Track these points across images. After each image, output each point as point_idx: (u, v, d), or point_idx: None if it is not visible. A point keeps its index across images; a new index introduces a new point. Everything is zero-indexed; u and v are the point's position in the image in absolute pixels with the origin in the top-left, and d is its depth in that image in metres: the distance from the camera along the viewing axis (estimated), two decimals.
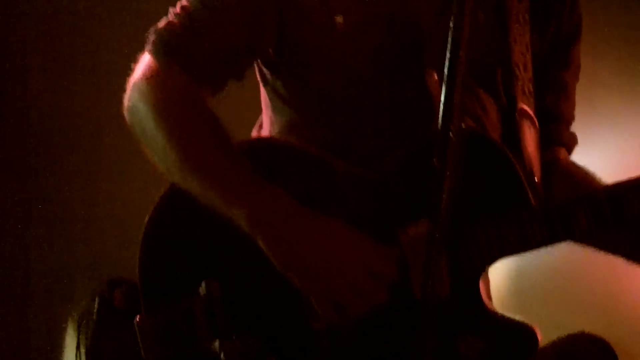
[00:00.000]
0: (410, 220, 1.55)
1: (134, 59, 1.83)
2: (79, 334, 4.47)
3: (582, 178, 1.97)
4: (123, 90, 1.85)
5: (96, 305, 4.27)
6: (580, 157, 2.16)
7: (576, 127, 2.13)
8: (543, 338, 4.45)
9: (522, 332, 1.50)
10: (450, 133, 1.32)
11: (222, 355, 1.59)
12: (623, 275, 3.92)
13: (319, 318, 1.53)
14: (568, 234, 1.58)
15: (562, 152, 2.08)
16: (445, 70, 1.32)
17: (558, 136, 2.06)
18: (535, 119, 1.85)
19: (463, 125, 1.39)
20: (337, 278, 1.53)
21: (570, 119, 2.12)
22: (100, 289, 4.23)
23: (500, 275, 4.45)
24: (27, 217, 5.07)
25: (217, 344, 1.59)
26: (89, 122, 4.93)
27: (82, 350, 4.41)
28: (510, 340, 1.51)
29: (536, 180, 1.70)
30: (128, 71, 1.84)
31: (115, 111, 1.94)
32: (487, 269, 1.63)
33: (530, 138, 1.79)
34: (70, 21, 5.06)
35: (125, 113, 1.79)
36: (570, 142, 2.09)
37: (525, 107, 1.83)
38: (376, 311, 1.53)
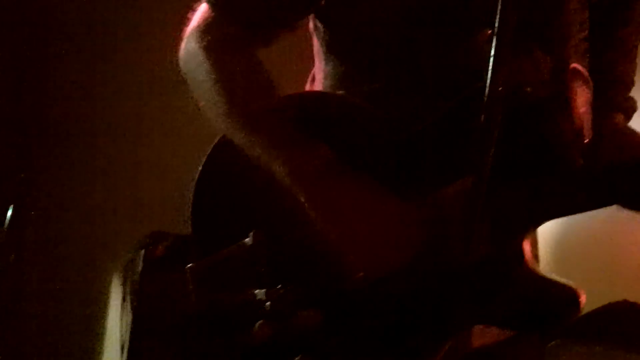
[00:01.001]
0: (452, 177, 1.55)
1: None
2: (124, 287, 4.56)
3: (636, 144, 1.92)
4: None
5: (140, 258, 4.35)
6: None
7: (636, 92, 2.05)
8: (587, 304, 4.48)
9: (564, 294, 1.50)
10: (498, 90, 1.31)
11: (266, 304, 1.61)
12: None
13: (355, 272, 1.55)
14: (612, 199, 1.56)
15: (618, 117, 2.03)
16: (496, 27, 1.31)
17: (615, 100, 2.01)
18: (589, 79, 1.82)
19: (511, 83, 1.38)
20: (370, 231, 1.55)
21: (629, 82, 2.04)
22: (144, 242, 4.31)
23: (543, 240, 4.45)
24: (72, 171, 5.15)
25: (262, 292, 1.61)
26: (140, 75, 4.96)
27: (127, 303, 4.50)
28: (551, 301, 1.51)
29: (584, 142, 1.68)
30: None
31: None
32: (531, 230, 1.61)
33: (581, 98, 1.76)
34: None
35: (180, 62, 1.81)
36: (629, 107, 2.03)
37: (578, 67, 1.80)
38: (412, 267, 1.54)
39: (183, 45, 1.82)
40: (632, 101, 2.04)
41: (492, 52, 1.34)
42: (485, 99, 1.34)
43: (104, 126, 5.15)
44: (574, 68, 1.76)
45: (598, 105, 1.87)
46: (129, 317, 4.38)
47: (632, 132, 1.99)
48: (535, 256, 1.83)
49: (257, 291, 1.63)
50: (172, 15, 1.90)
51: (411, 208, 1.59)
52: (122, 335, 4.41)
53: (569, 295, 1.50)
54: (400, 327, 1.57)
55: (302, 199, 1.60)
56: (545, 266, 4.70)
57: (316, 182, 1.61)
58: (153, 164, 4.85)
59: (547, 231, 4.50)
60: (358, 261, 1.57)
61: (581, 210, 1.59)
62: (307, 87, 1.99)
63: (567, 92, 1.70)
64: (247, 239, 1.67)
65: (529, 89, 1.57)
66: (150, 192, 4.76)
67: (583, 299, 1.49)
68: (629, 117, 2.04)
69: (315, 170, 1.61)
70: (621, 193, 1.56)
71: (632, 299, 4.32)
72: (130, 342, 4.28)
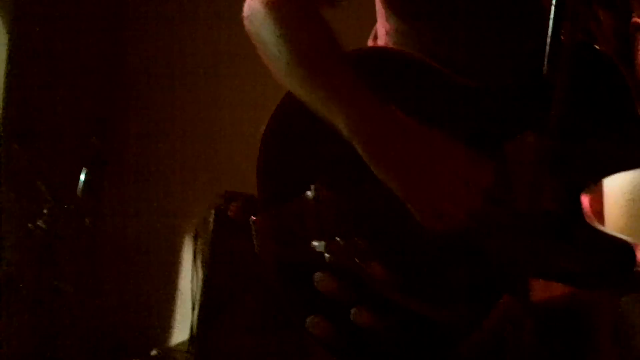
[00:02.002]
0: (517, 132, 1.54)
1: None
2: (195, 245, 4.64)
3: None
4: None
5: (212, 218, 4.41)
6: None
7: None
8: None
9: (620, 249, 1.47)
10: (562, 43, 1.29)
11: (326, 255, 1.62)
12: None
13: (419, 224, 1.55)
14: None
15: None
16: None
17: None
18: None
19: (574, 37, 1.35)
20: (432, 186, 1.54)
21: None
22: (217, 202, 4.37)
23: (623, 190, 4.38)
24: (146, 133, 5.22)
25: (322, 244, 1.62)
26: (217, 37, 4.99)
27: (199, 261, 4.58)
28: (608, 256, 1.49)
29: None
30: None
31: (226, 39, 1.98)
32: (598, 185, 1.59)
33: None
34: None
35: (245, 21, 1.82)
36: None
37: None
38: (477, 220, 1.53)
39: (247, 4, 1.82)
40: None
41: (553, 6, 1.31)
42: (553, 55, 1.32)
43: (178, 88, 5.20)
44: (636, 22, 1.73)
45: None
46: (200, 276, 4.47)
47: None
48: (599, 212, 1.81)
49: (316, 243, 1.64)
50: None
51: (477, 158, 1.57)
52: (193, 294, 4.50)
53: (626, 251, 1.47)
54: (465, 275, 1.57)
55: (366, 153, 1.60)
56: (626, 214, 4.65)
57: (375, 134, 1.60)
58: (227, 125, 4.89)
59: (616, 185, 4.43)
60: (418, 214, 1.56)
61: None
62: (370, 43, 1.99)
63: (631, 46, 1.67)
64: (309, 192, 1.68)
65: (597, 46, 1.55)
66: (224, 152, 4.80)
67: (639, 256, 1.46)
68: None
69: (374, 122, 1.60)
70: None
71: None
72: (202, 301, 4.37)
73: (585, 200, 1.52)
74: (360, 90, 1.62)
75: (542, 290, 1.66)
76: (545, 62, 1.26)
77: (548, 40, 1.28)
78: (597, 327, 1.83)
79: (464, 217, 1.55)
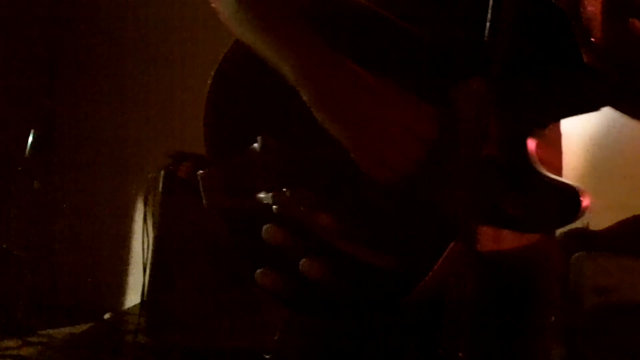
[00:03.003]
0: (465, 77, 1.52)
1: None
2: (145, 207, 4.59)
3: None
4: None
5: (162, 178, 4.37)
6: None
7: None
8: (615, 217, 4.53)
9: (566, 193, 1.47)
10: None
11: (274, 207, 1.60)
12: None
13: (363, 172, 1.54)
14: (621, 96, 1.52)
15: (636, 23, 1.95)
16: None
17: (633, 5, 1.93)
18: None
19: None
20: (377, 134, 1.52)
21: None
22: (166, 162, 4.33)
23: (579, 152, 4.43)
24: (95, 95, 5.14)
25: (269, 196, 1.60)
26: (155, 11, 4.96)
27: (150, 223, 4.53)
28: (554, 200, 1.49)
29: (592, 40, 1.63)
30: None
31: None
32: (539, 132, 1.58)
33: None
34: None
35: None
36: None
37: None
38: (423, 169, 1.52)
39: None
40: None
41: None
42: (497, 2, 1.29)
43: (128, 48, 5.14)
44: None
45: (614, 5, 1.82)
46: (151, 238, 4.43)
47: None
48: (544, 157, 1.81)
49: (263, 195, 1.62)
50: None
51: (421, 104, 1.56)
52: (144, 257, 4.45)
53: (572, 196, 1.47)
54: (413, 223, 1.56)
55: (312, 99, 1.57)
56: (581, 176, 4.72)
57: (326, 80, 1.57)
58: (177, 84, 4.84)
59: (587, 143, 4.47)
60: (362, 161, 1.54)
61: (589, 109, 1.56)
62: None
63: None
64: (255, 144, 1.65)
65: None
66: (174, 112, 4.75)
67: (586, 200, 1.46)
68: None
69: (326, 70, 1.58)
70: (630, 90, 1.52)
71: None
72: (153, 263, 4.33)
73: (531, 144, 1.51)
74: (309, 35, 1.60)
75: (491, 240, 1.66)
76: (490, 8, 1.24)
77: None
78: (545, 281, 1.84)
79: (409, 165, 1.53)
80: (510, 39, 1.24)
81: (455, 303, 1.18)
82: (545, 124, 1.57)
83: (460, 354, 1.22)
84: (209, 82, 1.80)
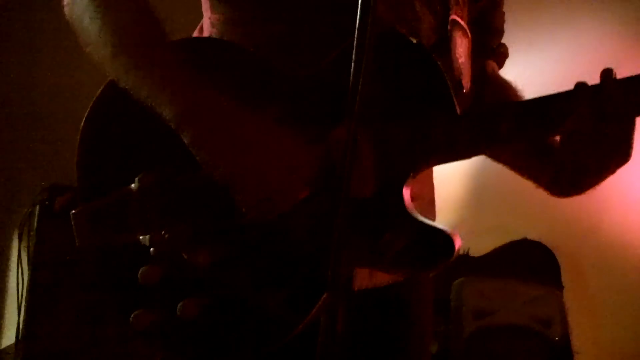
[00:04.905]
0: (341, 119, 1.54)
1: None
2: (20, 243, 4.45)
3: (506, 92, 1.94)
4: None
5: (37, 213, 4.25)
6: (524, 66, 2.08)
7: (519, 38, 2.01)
8: (494, 243, 4.64)
9: (440, 237, 1.52)
10: (368, 34, 1.28)
11: (150, 247, 1.57)
12: None
13: (243, 212, 1.53)
14: (491, 140, 1.57)
15: (492, 64, 2.04)
16: None
17: (488, 47, 2.01)
18: (467, 30, 1.82)
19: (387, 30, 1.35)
20: (257, 175, 1.52)
21: (496, 29, 2.03)
22: (42, 196, 4.21)
23: (458, 182, 4.53)
24: None
25: (146, 237, 1.58)
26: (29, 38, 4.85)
27: (24, 258, 4.40)
28: (429, 243, 1.53)
29: (464, 91, 1.69)
30: None
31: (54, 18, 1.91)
32: (412, 176, 1.61)
33: (461, 48, 1.77)
34: None
35: (65, 9, 1.75)
36: (500, 54, 2.03)
37: (457, 18, 1.79)
38: (302, 207, 1.53)
39: None
40: (504, 48, 2.06)
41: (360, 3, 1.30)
42: (356, 45, 1.31)
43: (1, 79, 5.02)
44: (454, 19, 1.76)
45: (475, 52, 1.89)
46: (26, 276, 4.29)
47: (503, 79, 2.00)
48: (432, 201, 1.85)
49: (141, 237, 1.59)
50: None
51: (302, 145, 1.56)
52: (19, 295, 4.31)
53: (445, 240, 1.52)
54: (289, 262, 1.56)
55: (192, 141, 1.56)
56: (461, 204, 4.83)
57: (206, 124, 1.56)
58: (52, 116, 4.72)
59: (465, 173, 4.59)
60: (242, 202, 1.53)
61: (461, 157, 1.60)
62: (195, 35, 1.95)
63: (448, 42, 1.71)
64: (133, 184, 1.62)
65: (413, 39, 1.57)
66: (50, 144, 4.63)
67: (458, 243, 1.51)
68: (500, 63, 2.05)
69: (200, 110, 1.57)
70: (498, 137, 1.57)
71: (534, 235, 4.45)
72: (27, 301, 4.20)
73: (406, 191, 1.55)
74: (186, 78, 1.58)
75: (366, 279, 1.68)
76: (354, 50, 1.25)
77: (356, 31, 1.27)
78: (418, 311, 1.87)
79: (286, 205, 1.53)
80: (385, 87, 1.25)
81: (324, 343, 1.16)
82: (420, 170, 1.60)
83: None
84: (81, 124, 1.78)
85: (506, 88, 1.87)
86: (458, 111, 1.55)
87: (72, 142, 1.81)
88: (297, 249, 1.57)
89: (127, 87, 1.61)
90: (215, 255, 1.57)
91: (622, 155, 1.52)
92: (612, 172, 1.56)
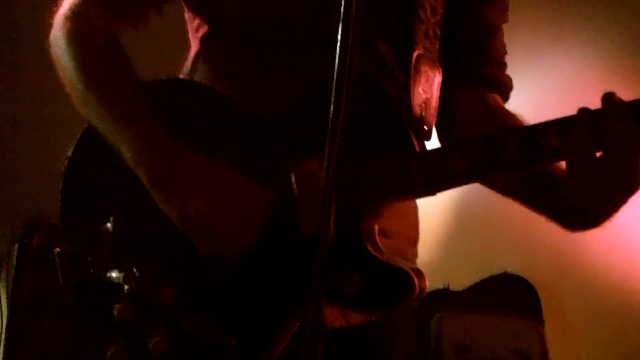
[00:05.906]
0: (301, 157, 1.57)
1: None
2: None
3: (511, 126, 1.85)
4: None
5: (16, 249, 4.21)
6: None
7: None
8: (474, 277, 4.63)
9: (398, 277, 1.54)
10: (344, 74, 1.29)
11: (123, 284, 1.63)
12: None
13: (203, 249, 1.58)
14: (447, 179, 1.56)
15: (491, 97, 1.94)
16: (342, 10, 1.27)
17: (487, 78, 1.93)
18: (437, 62, 1.79)
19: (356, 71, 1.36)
20: (208, 216, 1.56)
21: (494, 59, 1.94)
22: (20, 232, 4.18)
23: (438, 216, 4.54)
24: None
25: (120, 275, 1.63)
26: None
27: (3, 296, 4.36)
28: (386, 282, 1.55)
29: (425, 128, 1.69)
30: None
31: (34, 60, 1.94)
32: (374, 212, 1.61)
33: (427, 82, 1.75)
34: None
35: (50, 49, 1.81)
36: (502, 86, 1.93)
37: (423, 52, 1.77)
38: (261, 245, 1.57)
39: (52, 32, 1.81)
40: (507, 79, 1.96)
41: (339, 36, 1.31)
42: (334, 85, 1.32)
43: None
44: (419, 55, 1.74)
45: (469, 81, 1.84)
46: (4, 314, 4.25)
47: (508, 112, 1.91)
48: (410, 237, 1.84)
49: (115, 275, 1.64)
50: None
51: (256, 188, 1.59)
52: None
53: (405, 279, 1.53)
54: (250, 304, 1.61)
55: (147, 182, 1.61)
56: (441, 238, 4.81)
57: (160, 166, 1.62)
58: (31, 151, 4.71)
59: (444, 207, 4.58)
60: (198, 242, 1.58)
61: (420, 194, 1.61)
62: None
63: (409, 77, 1.71)
64: (108, 224, 1.67)
65: (375, 77, 1.59)
66: (29, 179, 4.63)
67: (416, 283, 1.51)
68: (504, 96, 1.94)
69: (159, 155, 1.62)
70: (453, 172, 1.57)
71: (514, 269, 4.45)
72: (5, 340, 4.15)
73: (368, 228, 1.57)
74: (145, 121, 1.65)
75: (340, 317, 1.69)
76: (333, 91, 1.26)
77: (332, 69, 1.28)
78: (395, 346, 1.87)
79: (238, 246, 1.57)
80: (346, 123, 1.27)
81: None
82: (376, 208, 1.61)
83: None
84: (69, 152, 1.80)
85: (512, 121, 1.82)
86: (417, 148, 1.56)
87: (51, 178, 1.82)
88: (255, 288, 1.61)
89: (95, 126, 1.67)
90: (180, 295, 1.62)
91: (628, 184, 1.48)
92: (622, 201, 1.50)
